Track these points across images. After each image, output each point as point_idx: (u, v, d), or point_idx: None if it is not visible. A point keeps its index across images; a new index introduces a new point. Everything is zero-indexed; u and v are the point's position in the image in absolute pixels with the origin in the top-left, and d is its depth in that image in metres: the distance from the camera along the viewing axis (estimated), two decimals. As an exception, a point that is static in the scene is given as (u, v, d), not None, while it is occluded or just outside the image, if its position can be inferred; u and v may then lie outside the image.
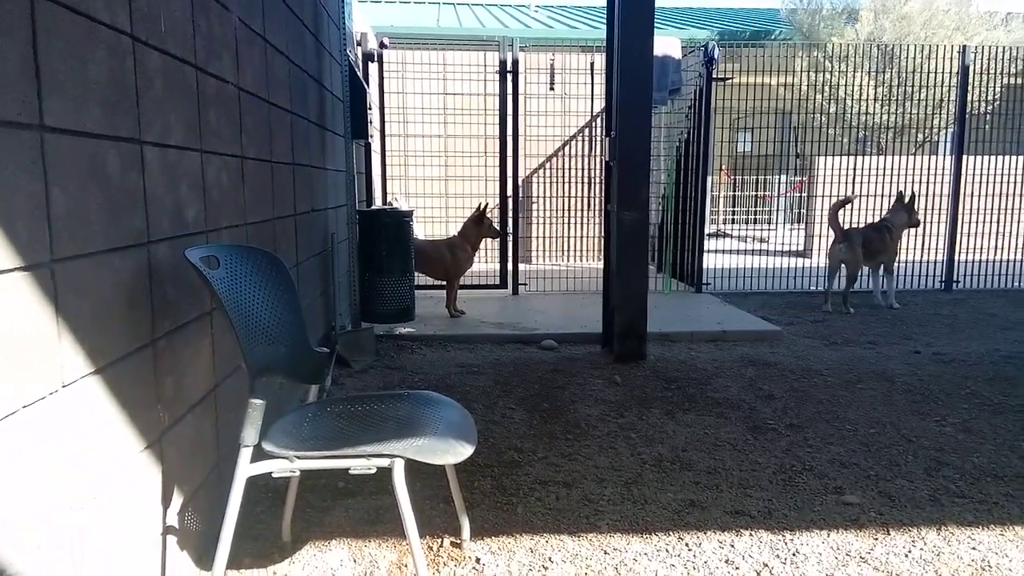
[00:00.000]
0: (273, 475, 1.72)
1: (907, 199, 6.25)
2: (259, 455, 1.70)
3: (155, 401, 1.71)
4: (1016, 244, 8.31)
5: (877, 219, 6.42)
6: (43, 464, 1.26)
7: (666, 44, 6.33)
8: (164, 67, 1.78)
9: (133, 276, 1.61)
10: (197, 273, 1.63)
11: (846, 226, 6.09)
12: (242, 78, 2.41)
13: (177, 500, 1.84)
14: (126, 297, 1.58)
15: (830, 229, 6.04)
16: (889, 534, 2.23)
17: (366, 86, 5.07)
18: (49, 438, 1.28)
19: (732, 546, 2.15)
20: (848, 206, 6.38)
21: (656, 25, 4.14)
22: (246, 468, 1.70)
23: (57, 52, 1.31)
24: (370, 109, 5.00)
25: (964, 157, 7.09)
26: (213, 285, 1.63)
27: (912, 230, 6.76)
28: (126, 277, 1.58)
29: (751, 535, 2.22)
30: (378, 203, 6.97)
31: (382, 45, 6.81)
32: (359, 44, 6.23)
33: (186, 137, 1.92)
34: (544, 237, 8.70)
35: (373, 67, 6.69)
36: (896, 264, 6.27)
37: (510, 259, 6.66)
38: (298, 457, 1.69)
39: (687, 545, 2.16)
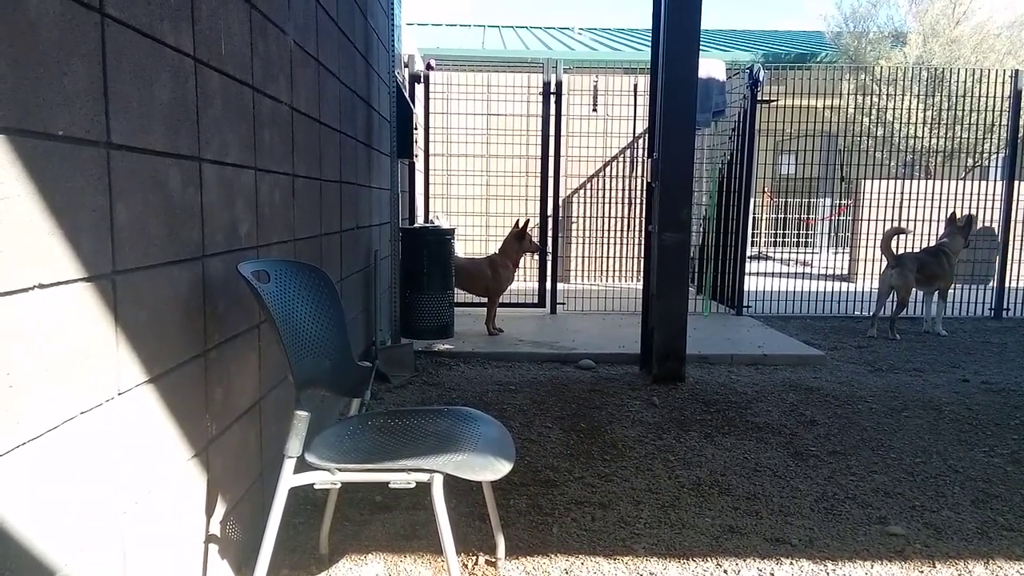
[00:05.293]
0: (315, 487, 1.75)
1: (961, 221, 6.11)
2: (301, 467, 1.73)
3: (204, 411, 1.76)
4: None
5: (927, 243, 6.30)
6: (95, 469, 1.31)
7: (710, 66, 6.32)
8: (223, 88, 1.84)
9: (189, 288, 1.66)
10: (249, 287, 1.67)
11: (899, 251, 5.98)
12: (296, 99, 2.48)
13: (220, 509, 1.88)
14: (181, 309, 1.63)
15: (882, 255, 5.94)
16: (935, 567, 2.17)
17: (412, 106, 5.16)
18: (103, 444, 1.33)
19: (772, 575, 2.12)
20: (901, 235, 6.27)
21: (701, 47, 4.15)
22: (289, 479, 1.73)
23: (125, 72, 1.37)
24: (416, 129, 5.09)
25: (1016, 182, 6.94)
26: (264, 299, 1.67)
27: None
28: (182, 290, 1.63)
29: (792, 564, 2.18)
30: (420, 221, 7.06)
31: (428, 67, 6.93)
32: (406, 65, 6.35)
33: (242, 155, 1.98)
34: (583, 257, 8.71)
35: (419, 88, 6.81)
36: (952, 290, 6.13)
37: (548, 278, 6.68)
38: (340, 470, 1.72)
39: (725, 572, 2.13)
